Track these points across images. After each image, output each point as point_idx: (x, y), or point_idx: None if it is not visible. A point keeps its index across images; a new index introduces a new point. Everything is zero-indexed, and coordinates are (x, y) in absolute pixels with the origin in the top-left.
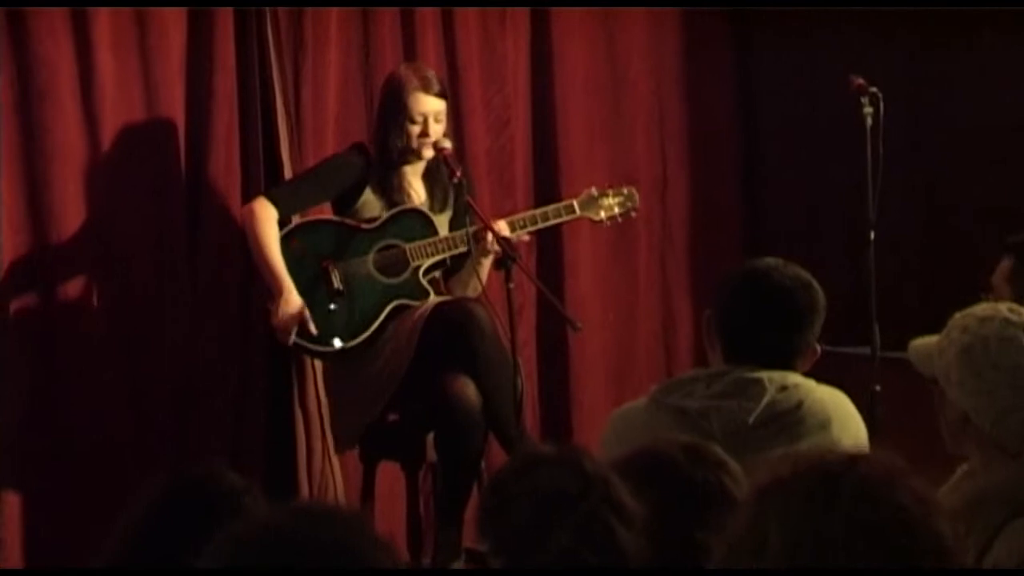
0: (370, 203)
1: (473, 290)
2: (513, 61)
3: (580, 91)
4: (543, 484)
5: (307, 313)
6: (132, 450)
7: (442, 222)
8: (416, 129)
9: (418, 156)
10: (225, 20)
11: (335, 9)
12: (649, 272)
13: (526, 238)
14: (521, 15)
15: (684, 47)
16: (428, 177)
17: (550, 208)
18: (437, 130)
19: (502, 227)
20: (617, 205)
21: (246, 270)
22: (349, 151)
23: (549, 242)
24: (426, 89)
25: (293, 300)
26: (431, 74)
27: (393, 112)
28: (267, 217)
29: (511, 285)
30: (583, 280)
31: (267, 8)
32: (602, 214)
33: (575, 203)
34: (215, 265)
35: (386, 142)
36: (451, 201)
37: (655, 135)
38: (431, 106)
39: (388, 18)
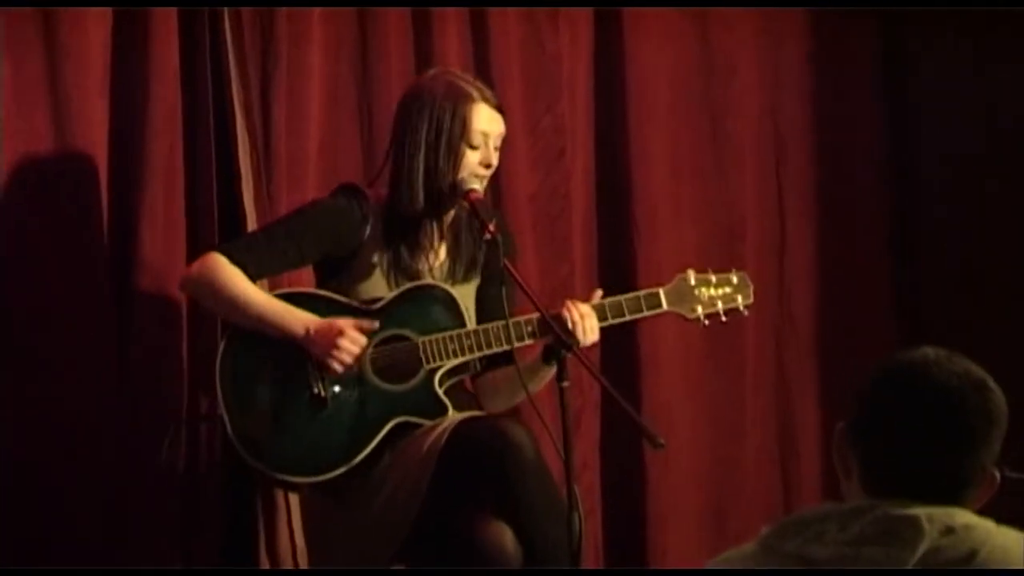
0: (371, 270)
1: (511, 400)
2: (570, 66)
3: (663, 109)
4: None
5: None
6: None
7: (466, 294)
8: (476, 156)
9: (465, 196)
10: (167, 13)
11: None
12: (760, 366)
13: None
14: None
15: (812, 52)
16: (454, 230)
17: (625, 299)
18: (496, 161)
19: (584, 313)
20: (722, 299)
21: (193, 367)
22: (338, 197)
23: (619, 325)
24: (486, 100)
25: (338, 325)
26: (479, 81)
27: (442, 132)
28: (231, 269)
29: (565, 384)
30: (667, 377)
31: (224, 8)
32: (699, 310)
33: (661, 293)
34: (151, 359)
35: (427, 179)
36: (479, 265)
37: (769, 175)
38: (496, 125)
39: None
